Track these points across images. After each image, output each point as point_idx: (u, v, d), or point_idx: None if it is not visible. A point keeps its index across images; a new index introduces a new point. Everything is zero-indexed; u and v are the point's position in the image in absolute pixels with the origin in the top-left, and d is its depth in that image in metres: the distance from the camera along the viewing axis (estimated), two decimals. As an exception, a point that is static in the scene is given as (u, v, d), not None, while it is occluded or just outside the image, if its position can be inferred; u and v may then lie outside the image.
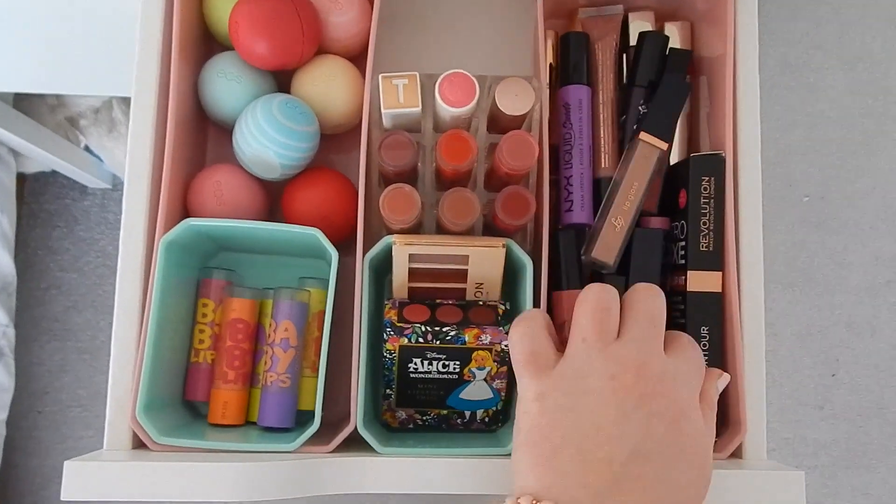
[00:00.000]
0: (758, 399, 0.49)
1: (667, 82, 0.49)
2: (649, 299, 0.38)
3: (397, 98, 0.46)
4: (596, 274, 0.50)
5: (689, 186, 0.48)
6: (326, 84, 0.51)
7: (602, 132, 0.52)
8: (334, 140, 0.56)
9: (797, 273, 1.13)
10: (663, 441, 0.35)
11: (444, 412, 0.50)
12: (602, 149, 0.52)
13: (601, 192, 0.51)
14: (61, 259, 1.19)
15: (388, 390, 0.49)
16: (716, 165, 0.48)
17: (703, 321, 0.48)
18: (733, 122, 0.49)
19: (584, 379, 0.36)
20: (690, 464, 0.36)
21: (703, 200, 0.48)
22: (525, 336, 0.39)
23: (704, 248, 0.48)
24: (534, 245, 0.52)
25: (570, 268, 0.49)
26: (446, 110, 0.46)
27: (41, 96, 1.11)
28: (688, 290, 0.48)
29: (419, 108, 0.47)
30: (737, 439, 0.48)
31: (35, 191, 1.22)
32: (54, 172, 1.18)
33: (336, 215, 0.51)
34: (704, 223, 0.48)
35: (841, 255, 1.13)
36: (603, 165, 0.52)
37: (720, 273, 0.48)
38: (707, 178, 0.48)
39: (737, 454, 0.49)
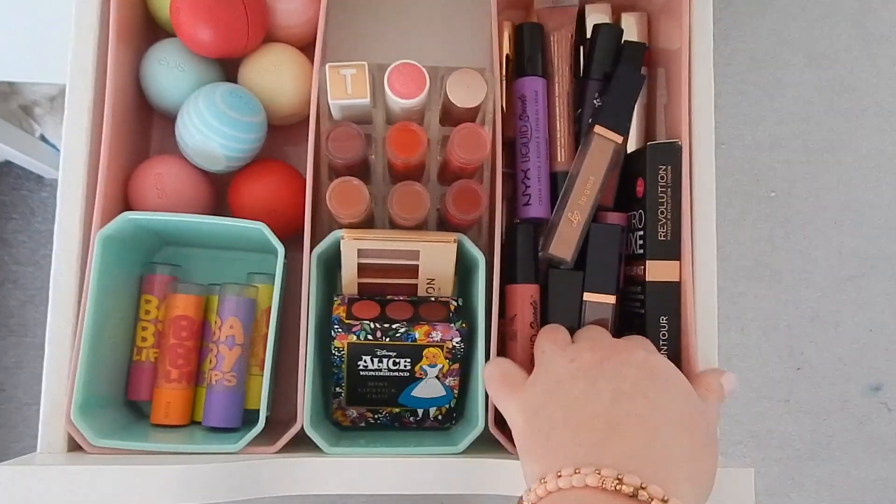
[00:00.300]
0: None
1: (620, 75, 0.48)
2: (593, 326, 0.44)
3: (345, 88, 0.45)
4: (553, 268, 0.49)
5: (646, 175, 0.47)
6: (274, 73, 0.49)
7: (558, 125, 0.51)
8: (285, 132, 0.54)
9: (764, 267, 1.14)
10: (639, 379, 0.36)
11: (397, 410, 0.49)
12: (558, 142, 0.51)
13: (558, 186, 0.50)
14: (17, 252, 1.16)
15: (337, 388, 0.48)
16: (672, 154, 0.47)
17: (661, 311, 0.47)
18: (689, 113, 0.49)
19: (552, 373, 0.39)
20: (675, 394, 0.37)
21: (660, 189, 0.47)
22: (493, 366, 0.43)
23: (662, 238, 0.47)
24: (488, 240, 0.51)
25: (525, 262, 0.48)
26: (396, 102, 0.45)
27: (-6, 85, 1.08)
28: (647, 279, 0.47)
29: (367, 99, 0.45)
30: (691, 437, 0.47)
31: (-10, 182, 1.18)
32: (8, 163, 1.15)
33: (284, 209, 0.49)
34: (662, 212, 0.47)
35: (806, 251, 1.14)
36: (559, 159, 0.51)
37: (678, 262, 0.47)
38: (664, 167, 0.47)
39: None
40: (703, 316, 0.48)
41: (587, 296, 0.47)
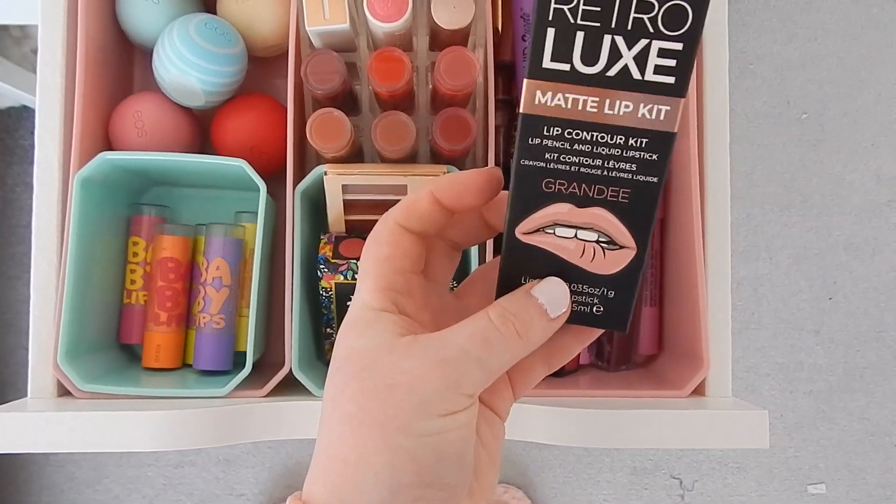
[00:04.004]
0: (722, 334, 0.46)
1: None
2: None
3: (322, 14, 0.42)
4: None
5: None
6: (252, 1, 0.46)
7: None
8: (270, 64, 0.51)
9: (794, 194, 1.08)
10: None
11: (392, 351, 0.48)
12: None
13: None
14: (37, 197, 1.16)
15: (328, 329, 0.47)
16: None
17: None
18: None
19: None
20: None
21: None
22: None
23: None
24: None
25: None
26: (377, 26, 0.42)
27: (4, 29, 1.06)
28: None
29: (347, 25, 0.42)
30: (699, 375, 0.45)
31: (9, 126, 1.18)
32: (25, 107, 1.14)
33: (268, 144, 0.47)
34: None
35: (840, 175, 1.08)
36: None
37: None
38: None
39: (699, 391, 0.47)
40: (714, 256, 0.46)
41: None
